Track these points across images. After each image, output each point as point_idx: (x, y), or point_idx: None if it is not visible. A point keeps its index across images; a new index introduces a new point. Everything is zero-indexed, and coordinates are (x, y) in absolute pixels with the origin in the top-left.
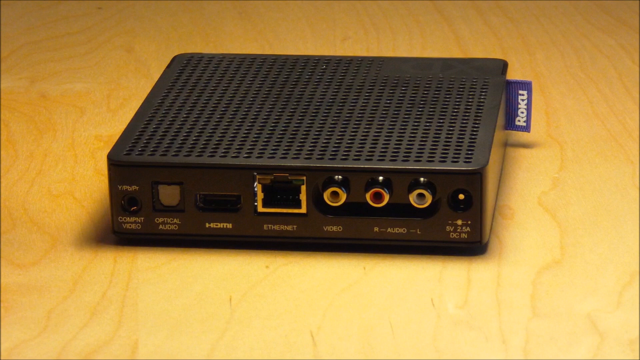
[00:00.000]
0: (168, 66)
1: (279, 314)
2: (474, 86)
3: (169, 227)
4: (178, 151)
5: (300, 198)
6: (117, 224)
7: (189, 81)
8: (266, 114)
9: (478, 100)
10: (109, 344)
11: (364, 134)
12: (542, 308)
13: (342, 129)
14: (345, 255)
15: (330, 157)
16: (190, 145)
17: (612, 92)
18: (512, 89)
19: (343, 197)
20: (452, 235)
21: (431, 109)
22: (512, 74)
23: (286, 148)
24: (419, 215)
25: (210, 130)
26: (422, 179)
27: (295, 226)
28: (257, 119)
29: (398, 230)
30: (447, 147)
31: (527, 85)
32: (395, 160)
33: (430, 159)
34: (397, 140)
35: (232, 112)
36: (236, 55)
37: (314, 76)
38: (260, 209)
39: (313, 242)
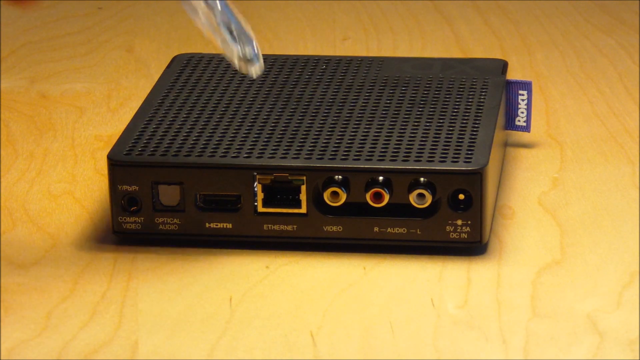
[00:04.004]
0: (168, 66)
1: (279, 314)
2: (474, 86)
3: (169, 227)
4: (178, 151)
5: (300, 198)
6: (117, 224)
7: (189, 81)
8: (266, 114)
9: (478, 100)
10: (109, 344)
11: (364, 134)
12: (542, 308)
13: (342, 129)
14: (345, 255)
15: (330, 157)
16: (190, 145)
17: (612, 92)
18: (512, 89)
19: (343, 197)
20: (452, 235)
21: (431, 109)
22: (512, 74)
23: (286, 148)
24: (419, 215)
25: (210, 130)
26: (422, 179)
27: (295, 226)
28: (257, 119)
29: (398, 230)
30: (447, 147)
31: (527, 85)
32: (395, 160)
33: (430, 159)
34: (397, 140)
35: (232, 112)
36: None
37: (314, 76)
38: (260, 209)
39: (313, 242)
